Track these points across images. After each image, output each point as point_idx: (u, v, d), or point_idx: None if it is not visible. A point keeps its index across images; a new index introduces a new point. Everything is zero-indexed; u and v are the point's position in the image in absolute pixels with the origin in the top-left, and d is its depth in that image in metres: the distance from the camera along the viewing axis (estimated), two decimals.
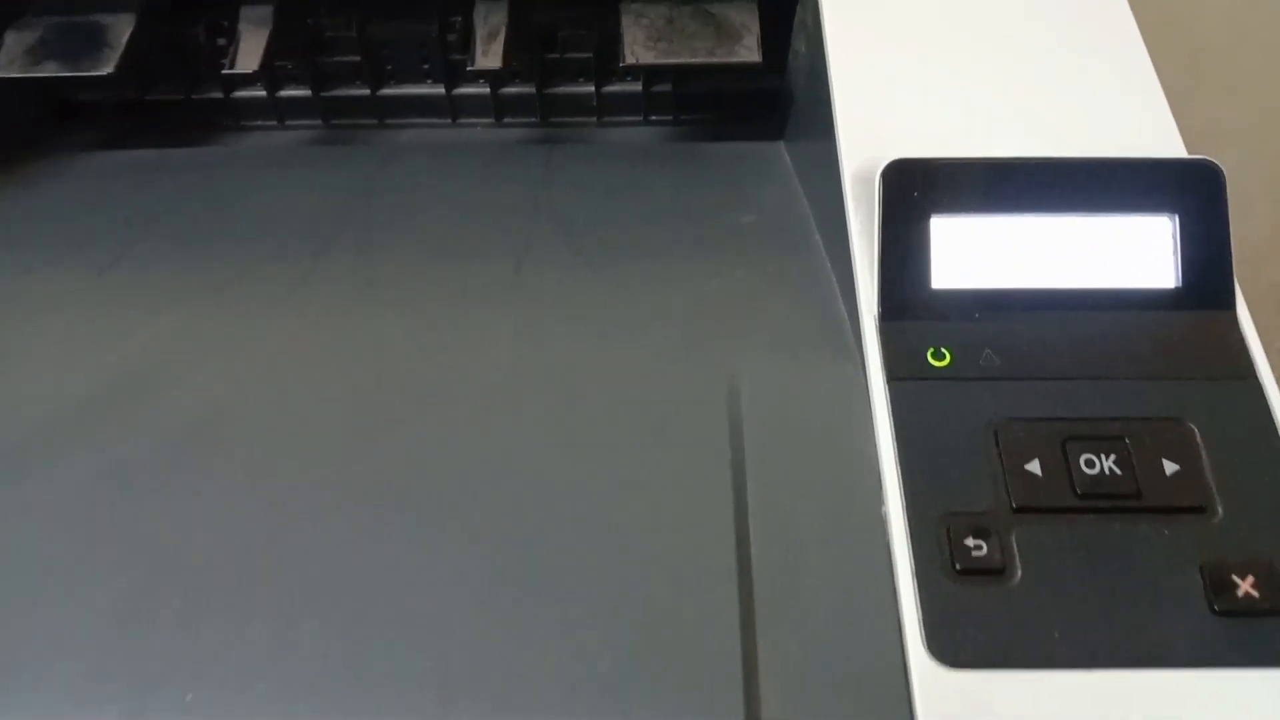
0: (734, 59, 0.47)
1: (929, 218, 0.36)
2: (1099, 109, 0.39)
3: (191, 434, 0.35)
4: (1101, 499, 0.32)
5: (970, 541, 0.31)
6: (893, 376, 0.34)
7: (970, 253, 0.36)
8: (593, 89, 0.54)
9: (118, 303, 0.41)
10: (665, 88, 0.54)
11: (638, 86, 0.54)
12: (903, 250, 0.36)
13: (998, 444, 0.33)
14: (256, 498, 0.33)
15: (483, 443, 0.34)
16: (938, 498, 0.32)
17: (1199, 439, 0.33)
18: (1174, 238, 0.36)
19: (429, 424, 0.35)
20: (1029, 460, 0.33)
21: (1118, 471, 0.32)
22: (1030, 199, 0.36)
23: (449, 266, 0.42)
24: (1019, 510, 0.32)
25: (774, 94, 0.53)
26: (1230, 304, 0.35)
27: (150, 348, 0.38)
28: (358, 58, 0.53)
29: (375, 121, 0.55)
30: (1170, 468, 0.32)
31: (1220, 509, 0.32)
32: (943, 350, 0.35)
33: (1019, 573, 0.31)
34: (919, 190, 0.36)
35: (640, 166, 0.49)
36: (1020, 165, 0.36)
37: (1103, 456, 0.32)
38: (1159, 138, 0.38)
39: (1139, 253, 0.36)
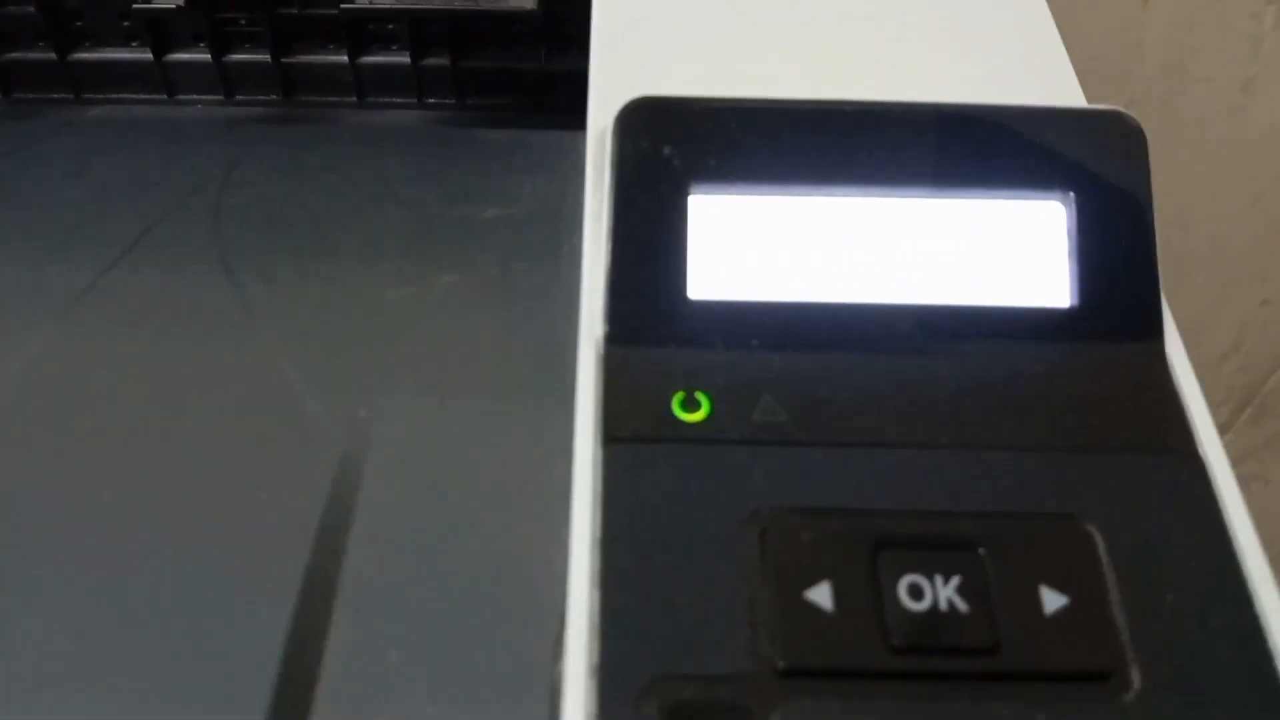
0: (504, 5, 0.34)
1: (686, 190, 0.22)
2: (960, 41, 0.26)
3: None
4: (934, 655, 0.18)
5: None
6: (611, 436, 0.20)
7: (749, 247, 0.22)
8: (345, 59, 0.40)
9: None
10: (442, 61, 0.40)
11: (406, 58, 0.40)
12: (644, 239, 0.22)
13: (763, 552, 0.19)
14: None
15: None
16: (651, 650, 0.18)
17: (1102, 552, 0.19)
18: (1068, 231, 0.22)
19: None
20: (813, 582, 0.19)
21: (963, 608, 0.18)
22: (844, 167, 0.23)
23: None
24: (787, 675, 0.18)
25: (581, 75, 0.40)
26: (1154, 332, 0.22)
27: None
28: (33, 9, 0.39)
29: (70, 95, 0.41)
30: (1053, 601, 0.19)
31: (1136, 678, 0.18)
32: (697, 396, 0.21)
33: None
34: (672, 147, 0.22)
35: (375, 149, 0.36)
36: (831, 112, 0.23)
37: (939, 579, 0.19)
38: (1049, 83, 0.25)
39: (1013, 254, 0.22)
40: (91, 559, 0.23)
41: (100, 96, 0.41)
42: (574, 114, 0.40)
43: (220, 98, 0.41)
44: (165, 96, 0.41)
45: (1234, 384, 0.83)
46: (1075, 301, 0.22)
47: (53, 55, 0.40)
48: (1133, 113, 0.23)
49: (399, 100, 0.41)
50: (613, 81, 0.25)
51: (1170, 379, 0.21)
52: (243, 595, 0.21)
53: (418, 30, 0.39)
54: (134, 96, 0.41)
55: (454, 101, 0.41)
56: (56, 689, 0.21)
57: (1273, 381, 0.82)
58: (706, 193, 0.22)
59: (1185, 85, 0.62)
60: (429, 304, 0.26)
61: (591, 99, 0.25)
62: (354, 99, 0.41)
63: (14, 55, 0.40)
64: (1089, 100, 0.25)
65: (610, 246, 0.22)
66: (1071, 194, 0.22)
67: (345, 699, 0.19)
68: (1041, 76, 0.25)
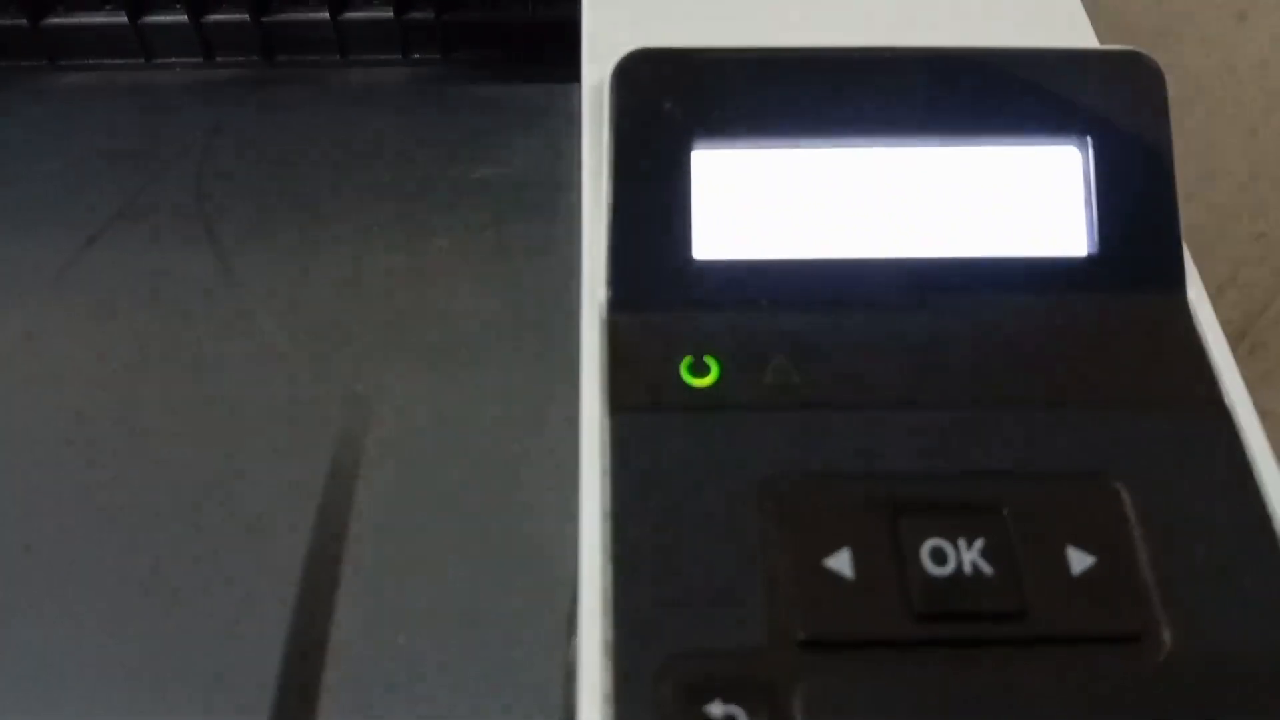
0: None
1: (689, 146, 0.21)
2: None
3: None
4: (960, 622, 0.17)
5: (716, 710, 0.16)
6: (618, 404, 0.20)
7: (756, 203, 0.21)
8: (327, 15, 0.39)
9: None
10: (427, 15, 0.39)
11: (389, 13, 0.39)
12: (646, 198, 0.21)
13: (780, 520, 0.18)
14: None
15: None
16: (667, 626, 0.17)
17: (1129, 510, 0.18)
18: (1085, 178, 0.22)
19: None
20: (832, 550, 0.18)
21: (988, 571, 0.18)
22: (851, 116, 0.21)
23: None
24: (808, 647, 0.17)
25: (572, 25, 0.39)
26: (1176, 281, 0.21)
27: None
28: None
29: (44, 62, 0.40)
30: (1081, 561, 0.18)
31: (1167, 637, 0.17)
32: (706, 360, 0.20)
33: None
34: (673, 101, 0.21)
35: (361, 109, 0.34)
36: (836, 60, 0.22)
37: (962, 543, 0.18)
38: (1060, 23, 0.24)
39: (1029, 203, 0.22)
40: (83, 545, 0.23)
41: (75, 63, 0.40)
42: (564, 66, 0.38)
43: (199, 60, 0.40)
44: (143, 60, 0.40)
45: (1230, 317, 0.83)
46: (1094, 251, 0.21)
47: (24, 21, 0.39)
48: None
49: (383, 57, 0.40)
50: (607, 33, 0.24)
51: (1195, 329, 0.20)
52: (243, 580, 0.20)
53: None
54: (110, 61, 0.40)
55: (439, 56, 0.40)
56: (53, 683, 0.21)
57: (1269, 315, 0.82)
58: (710, 147, 0.21)
59: (1180, 16, 0.61)
60: (423, 271, 0.25)
61: (585, 52, 0.24)
62: (337, 57, 0.40)
63: None
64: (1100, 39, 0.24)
65: (611, 207, 0.21)
66: (1088, 139, 0.21)
67: (353, 683, 0.18)
68: (1051, 16, 0.24)
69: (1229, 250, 0.76)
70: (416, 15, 0.39)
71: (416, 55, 0.40)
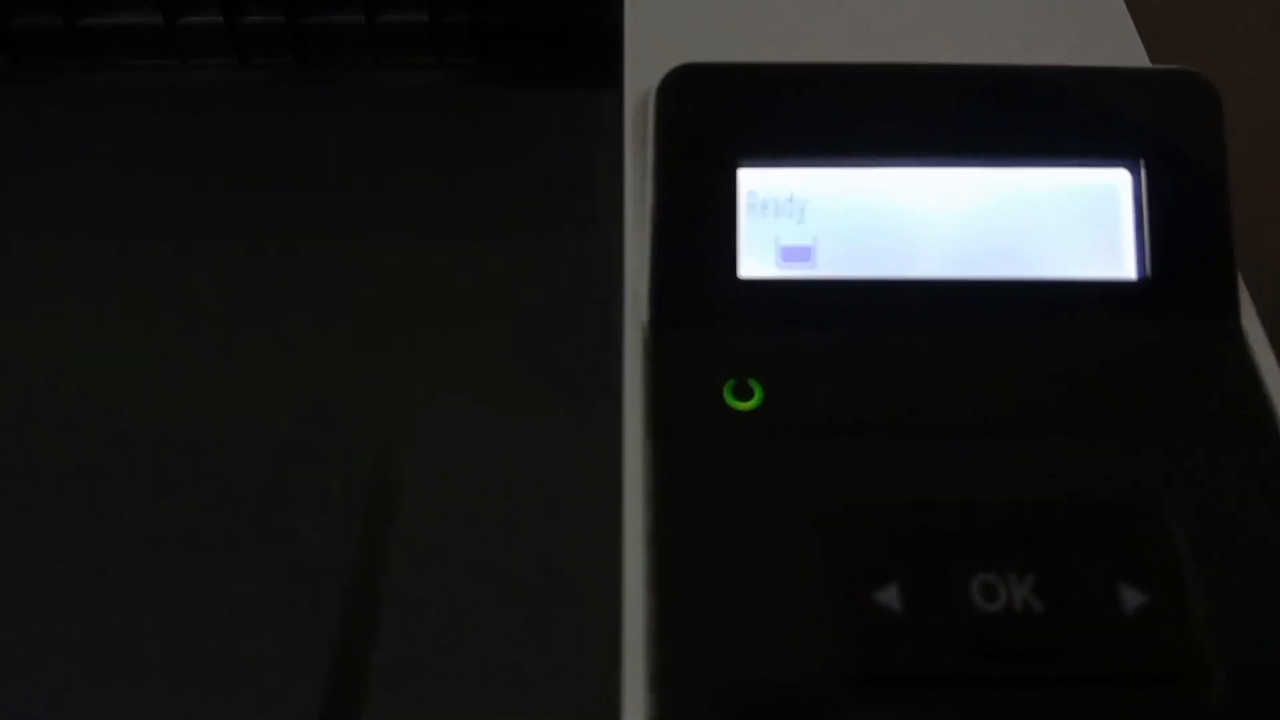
0: None
1: (735, 163, 0.21)
2: (1019, 4, 0.24)
3: None
4: (1009, 660, 0.17)
5: None
6: (660, 427, 0.19)
7: (801, 222, 0.21)
8: (363, 18, 0.38)
9: None
10: (461, 18, 0.38)
11: (424, 16, 0.38)
12: (691, 215, 0.21)
13: (827, 551, 0.18)
14: None
15: None
16: (711, 658, 0.17)
17: (1183, 546, 0.18)
18: (1135, 200, 0.21)
19: None
20: (881, 583, 0.17)
21: (1039, 608, 0.17)
22: (900, 135, 0.21)
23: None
24: (857, 682, 0.17)
25: (607, 29, 0.38)
26: (1230, 308, 0.20)
27: None
28: None
29: (79, 62, 0.39)
30: (1133, 599, 0.17)
31: (1222, 678, 0.17)
32: (750, 383, 0.19)
33: None
34: (719, 117, 0.21)
35: (395, 114, 0.34)
36: (885, 76, 0.21)
37: (1012, 578, 0.17)
38: (1111, 42, 0.23)
39: (1077, 225, 0.21)
40: (121, 556, 0.22)
41: (110, 63, 0.39)
42: (598, 71, 0.38)
43: (233, 62, 0.39)
44: (177, 62, 0.39)
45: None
46: (1146, 275, 0.20)
47: (60, 21, 0.38)
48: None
49: (417, 61, 0.39)
50: (650, 44, 0.23)
51: (1249, 358, 0.20)
52: (282, 601, 0.20)
53: None
54: (145, 62, 0.39)
55: (473, 60, 0.40)
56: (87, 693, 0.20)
57: None
58: (756, 165, 0.21)
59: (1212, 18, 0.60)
60: (460, 284, 0.24)
61: (628, 64, 0.23)
62: (370, 60, 0.39)
63: (21, 21, 0.38)
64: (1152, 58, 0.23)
65: (654, 224, 0.20)
66: (1140, 161, 0.21)
67: (394, 707, 0.18)
68: (1101, 33, 0.23)
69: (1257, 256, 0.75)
70: (451, 19, 0.38)
71: (451, 59, 0.39)
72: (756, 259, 0.20)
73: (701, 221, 0.20)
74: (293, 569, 0.21)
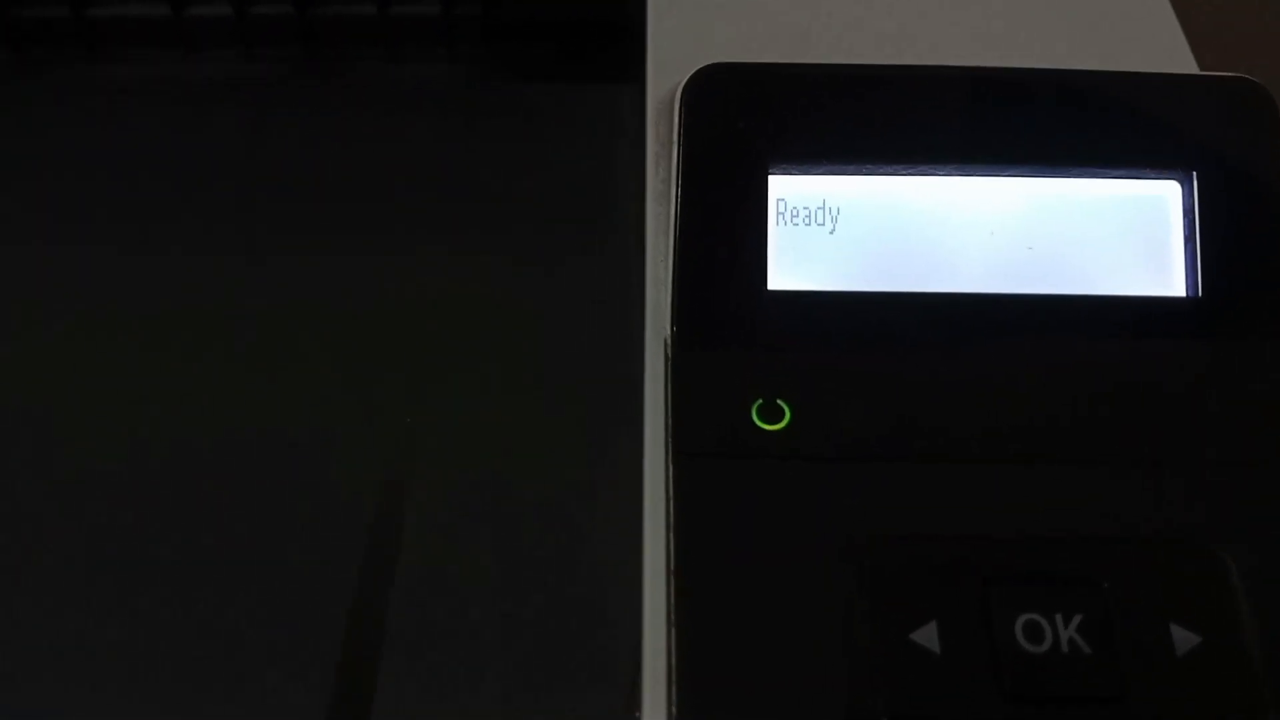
0: None
1: (765, 169, 0.19)
2: (1060, 5, 0.23)
3: None
4: (1055, 704, 0.16)
5: None
6: (683, 450, 0.18)
7: (835, 232, 0.20)
8: (375, 9, 0.37)
9: None
10: (474, 10, 0.37)
11: (435, 8, 0.37)
12: (719, 224, 0.19)
13: (862, 586, 0.16)
14: None
15: None
16: (737, 700, 0.16)
17: (1238, 584, 0.17)
18: (1185, 213, 0.20)
19: None
20: (919, 623, 0.16)
21: (1086, 650, 0.16)
22: (938, 142, 0.20)
23: None
24: None
25: (628, 21, 0.37)
26: None
27: None
28: None
29: (85, 53, 0.38)
30: (1185, 641, 0.16)
31: None
32: (779, 403, 0.18)
33: None
34: (747, 120, 0.20)
35: (406, 108, 0.33)
36: (923, 79, 0.20)
37: (1059, 618, 0.16)
38: (1157, 45, 0.22)
39: (1124, 239, 0.20)
40: (121, 557, 0.21)
41: (117, 54, 0.38)
42: (615, 66, 0.37)
43: (240, 53, 0.38)
44: (183, 52, 0.38)
45: None
46: (1197, 292, 0.19)
47: (66, 11, 0.37)
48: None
49: (428, 53, 0.38)
50: (675, 41, 0.22)
51: None
52: (284, 608, 0.19)
53: None
54: (152, 54, 0.38)
55: (485, 53, 0.38)
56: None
57: None
58: (787, 172, 0.19)
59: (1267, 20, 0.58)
60: (472, 291, 0.23)
61: (651, 64, 0.22)
62: (381, 52, 0.38)
63: (26, 11, 0.37)
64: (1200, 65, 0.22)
65: (679, 233, 0.19)
66: (1192, 172, 0.19)
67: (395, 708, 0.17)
68: (1147, 38, 0.22)
69: None
70: (463, 10, 0.37)
71: (463, 52, 0.38)
72: (787, 271, 0.19)
73: (729, 231, 0.19)
74: (294, 574, 0.21)
